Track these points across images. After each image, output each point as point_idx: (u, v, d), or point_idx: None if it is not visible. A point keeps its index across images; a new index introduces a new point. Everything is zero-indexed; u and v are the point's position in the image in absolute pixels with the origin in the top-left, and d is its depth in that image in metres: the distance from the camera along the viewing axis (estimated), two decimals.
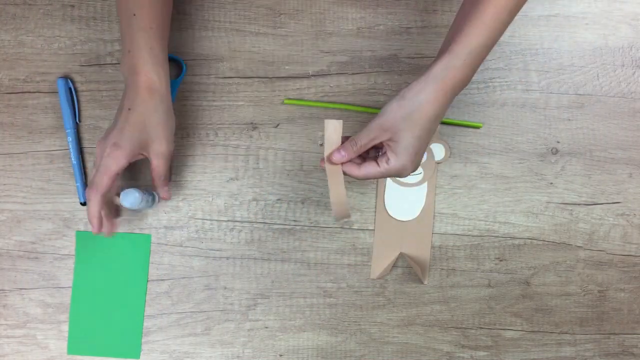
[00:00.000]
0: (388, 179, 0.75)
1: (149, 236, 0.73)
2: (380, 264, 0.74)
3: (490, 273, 0.75)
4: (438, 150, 0.75)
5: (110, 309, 0.72)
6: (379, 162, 0.59)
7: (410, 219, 0.75)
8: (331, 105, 0.75)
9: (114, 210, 0.73)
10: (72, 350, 0.71)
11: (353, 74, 0.75)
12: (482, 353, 0.75)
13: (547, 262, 0.75)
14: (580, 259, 0.75)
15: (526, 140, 0.75)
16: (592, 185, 0.75)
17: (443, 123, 0.75)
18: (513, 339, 0.75)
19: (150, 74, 0.63)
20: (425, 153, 0.74)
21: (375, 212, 0.74)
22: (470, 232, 0.75)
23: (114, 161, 0.62)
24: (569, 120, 0.76)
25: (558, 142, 0.76)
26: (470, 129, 0.75)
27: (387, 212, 0.74)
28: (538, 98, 0.76)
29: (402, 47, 0.76)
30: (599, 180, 0.75)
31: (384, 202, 0.74)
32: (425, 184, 0.75)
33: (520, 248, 0.75)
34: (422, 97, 0.57)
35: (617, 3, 0.77)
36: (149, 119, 0.63)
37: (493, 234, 0.75)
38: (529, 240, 0.75)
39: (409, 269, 0.75)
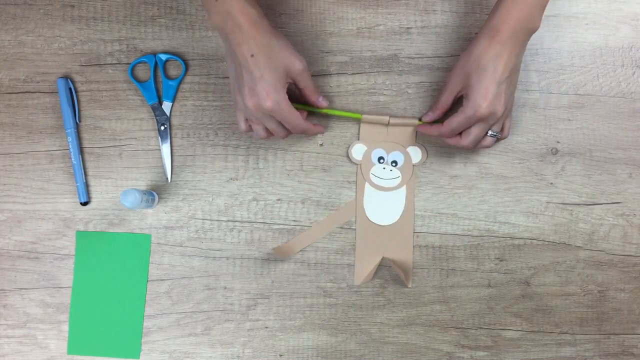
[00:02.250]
0: (366, 183, 0.75)
1: (149, 236, 0.73)
2: (363, 269, 0.74)
3: (490, 273, 0.75)
4: (415, 153, 0.74)
5: (110, 309, 0.72)
6: (459, 111, 0.65)
7: (390, 223, 0.75)
8: (330, 112, 0.75)
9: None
10: (72, 350, 0.71)
11: (353, 74, 0.75)
12: (482, 353, 0.75)
13: (547, 262, 0.75)
14: (580, 259, 0.75)
15: (526, 140, 0.75)
16: (592, 185, 0.75)
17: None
18: (513, 339, 0.75)
19: (249, 9, 0.61)
20: (403, 156, 0.74)
21: (355, 217, 0.74)
22: (470, 232, 0.75)
23: (286, 108, 0.64)
24: (569, 120, 0.76)
25: (558, 142, 0.76)
26: None
27: (367, 217, 0.74)
28: (538, 98, 0.76)
29: (402, 47, 0.76)
30: (599, 180, 0.75)
31: (363, 207, 0.74)
32: (404, 187, 0.74)
33: (520, 248, 0.75)
34: (479, 48, 0.63)
35: (617, 3, 0.77)
36: (273, 51, 0.62)
37: (493, 234, 0.75)
38: (529, 240, 0.75)
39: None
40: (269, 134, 0.67)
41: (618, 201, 0.75)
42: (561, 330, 0.75)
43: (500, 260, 0.75)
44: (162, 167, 0.74)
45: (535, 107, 0.76)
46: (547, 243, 0.75)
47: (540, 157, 0.75)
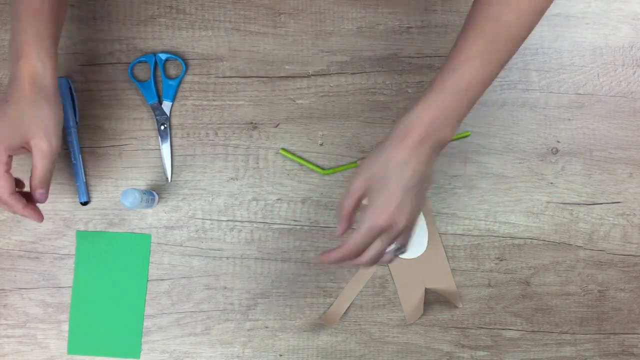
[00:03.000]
0: None
1: (148, 236, 0.73)
2: (410, 306, 0.74)
3: (490, 273, 0.75)
4: None
5: (110, 309, 0.72)
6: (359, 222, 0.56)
7: (420, 253, 0.74)
8: (320, 171, 0.75)
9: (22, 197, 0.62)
10: (72, 350, 0.71)
11: (353, 73, 0.75)
12: (482, 353, 0.75)
13: (547, 262, 0.75)
14: (581, 258, 0.75)
15: (526, 140, 0.75)
16: (592, 185, 0.75)
17: None
18: (513, 338, 0.75)
19: (34, 60, 0.57)
20: None
21: None
22: (470, 232, 0.75)
23: None
24: (569, 120, 0.76)
25: (558, 141, 0.76)
26: (467, 128, 0.75)
27: None
28: (538, 98, 0.76)
29: (403, 47, 0.76)
30: (599, 180, 0.75)
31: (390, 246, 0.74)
32: (421, 215, 0.74)
33: (520, 248, 0.75)
34: (386, 145, 0.55)
35: (617, 3, 0.77)
36: (28, 113, 0.57)
37: (493, 234, 0.75)
38: (529, 240, 0.75)
39: None
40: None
41: (618, 201, 0.75)
42: (561, 330, 0.75)
43: (501, 260, 0.75)
44: (162, 167, 0.74)
45: (536, 106, 0.76)
46: (547, 243, 0.75)
47: (541, 157, 0.75)
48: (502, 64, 0.56)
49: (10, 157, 0.59)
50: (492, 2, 0.54)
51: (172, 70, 0.75)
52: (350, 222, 0.58)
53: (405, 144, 0.54)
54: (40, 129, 0.57)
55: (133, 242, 0.73)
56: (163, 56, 0.74)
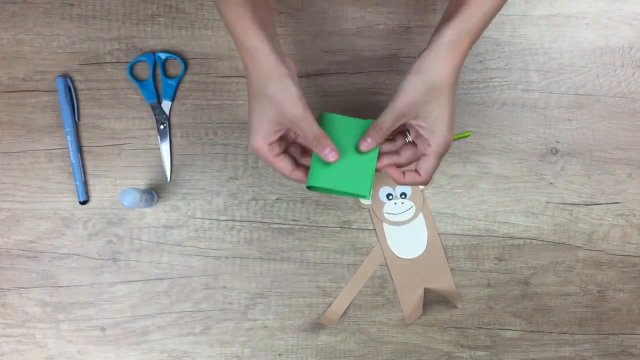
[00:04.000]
0: (383, 223, 0.74)
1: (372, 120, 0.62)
2: (410, 306, 0.74)
3: (490, 273, 0.75)
4: None
5: (346, 153, 0.62)
6: (424, 151, 0.57)
7: (419, 253, 0.74)
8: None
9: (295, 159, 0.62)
10: (312, 181, 0.61)
11: (353, 73, 0.75)
12: (481, 353, 0.75)
13: (547, 262, 0.75)
14: (580, 259, 0.75)
15: (526, 140, 0.75)
16: (591, 185, 0.75)
17: None
18: (512, 339, 0.75)
19: (266, 49, 0.56)
20: (410, 187, 0.74)
21: (384, 258, 0.74)
22: (469, 232, 0.75)
23: (264, 155, 0.58)
24: (569, 120, 0.76)
25: (558, 142, 0.76)
26: (467, 128, 0.75)
27: (396, 255, 0.74)
28: (538, 98, 0.76)
29: (402, 47, 0.76)
30: (598, 181, 0.75)
31: (389, 247, 0.74)
32: (420, 215, 0.74)
33: (519, 248, 0.75)
34: (439, 65, 0.55)
35: (617, 3, 0.77)
36: (270, 95, 0.56)
37: (493, 234, 0.75)
38: (529, 240, 0.75)
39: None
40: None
41: (618, 201, 0.75)
42: (560, 330, 0.75)
43: (500, 260, 0.75)
44: (162, 166, 0.74)
45: (536, 107, 0.76)
46: (546, 243, 0.75)
47: (540, 157, 0.75)
48: None
49: (281, 138, 0.59)
50: None
51: (172, 70, 0.75)
52: (379, 143, 0.59)
53: (452, 65, 0.55)
54: (290, 101, 0.56)
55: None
56: (163, 55, 0.74)
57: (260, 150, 0.58)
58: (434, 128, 0.56)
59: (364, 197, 0.62)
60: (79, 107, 0.74)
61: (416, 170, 0.59)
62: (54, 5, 0.75)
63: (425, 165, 0.58)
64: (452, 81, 0.56)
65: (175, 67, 0.75)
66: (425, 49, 0.56)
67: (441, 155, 0.57)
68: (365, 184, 0.60)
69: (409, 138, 0.60)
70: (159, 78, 0.75)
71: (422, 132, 0.57)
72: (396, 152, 0.60)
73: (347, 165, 0.60)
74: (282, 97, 0.56)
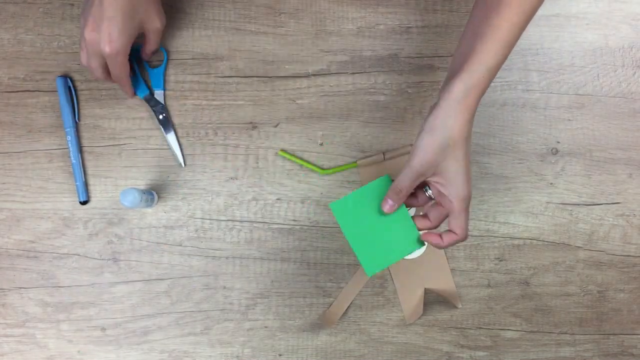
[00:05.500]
0: None
1: (387, 177, 0.63)
2: (410, 306, 0.74)
3: (490, 273, 0.75)
4: None
5: (379, 229, 0.63)
6: (449, 208, 0.58)
7: (420, 253, 0.74)
8: (320, 171, 0.75)
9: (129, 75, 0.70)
10: (370, 271, 0.63)
11: (353, 73, 0.75)
12: (481, 353, 0.75)
13: (547, 262, 0.75)
14: (580, 259, 0.75)
15: (526, 140, 0.75)
16: (592, 185, 0.75)
17: None
18: (512, 339, 0.75)
19: None
20: None
21: None
22: (470, 232, 0.75)
23: (122, 60, 0.64)
24: (569, 120, 0.76)
25: (558, 142, 0.76)
26: None
27: None
28: (538, 98, 0.76)
29: (403, 47, 0.76)
30: (598, 181, 0.75)
31: None
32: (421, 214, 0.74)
33: (519, 248, 0.75)
34: (451, 122, 0.55)
35: (617, 3, 0.77)
36: (138, 2, 0.62)
37: (493, 234, 0.75)
38: (529, 240, 0.75)
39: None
40: (107, 76, 0.68)
41: (618, 201, 0.75)
42: (560, 331, 0.75)
43: (500, 260, 0.75)
44: (173, 155, 0.74)
45: (536, 107, 0.76)
46: (546, 243, 0.75)
47: (540, 157, 0.75)
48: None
49: (130, 44, 0.64)
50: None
51: (154, 61, 0.75)
52: (400, 205, 0.60)
53: (464, 119, 0.56)
54: (151, 12, 0.64)
55: (376, 188, 0.64)
56: (137, 47, 0.73)
57: (120, 54, 0.63)
58: (453, 183, 0.57)
59: (418, 249, 0.63)
60: (79, 107, 0.74)
61: (451, 230, 0.59)
62: (54, 5, 0.75)
63: (457, 223, 0.58)
64: (467, 135, 0.56)
65: (157, 56, 0.75)
66: (435, 104, 0.57)
67: (467, 209, 0.58)
68: (414, 238, 0.62)
69: (428, 192, 0.60)
70: (145, 70, 0.74)
71: (441, 189, 0.58)
72: (425, 216, 0.61)
73: (388, 233, 0.62)
74: (152, 6, 0.63)
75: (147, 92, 0.74)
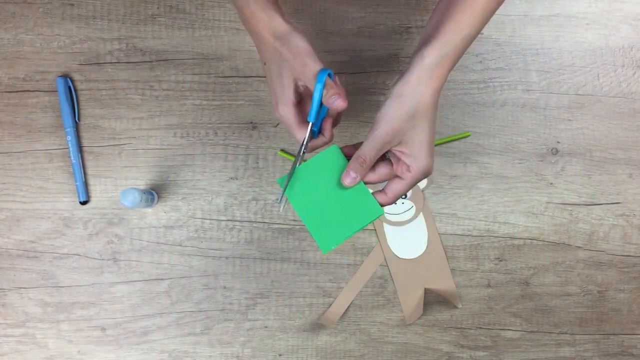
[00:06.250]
0: (384, 223, 0.74)
1: (335, 147, 0.60)
2: (410, 307, 0.74)
3: (490, 273, 0.75)
4: None
5: (332, 202, 0.59)
6: (400, 174, 0.55)
7: (420, 254, 0.74)
8: None
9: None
10: (327, 247, 0.58)
11: (353, 73, 0.75)
12: (481, 353, 0.75)
13: (547, 262, 0.75)
14: (580, 259, 0.75)
15: (526, 140, 0.75)
16: (592, 185, 0.75)
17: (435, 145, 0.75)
18: (512, 339, 0.75)
19: (263, 16, 0.56)
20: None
21: (384, 258, 0.74)
22: (470, 232, 0.75)
23: (288, 122, 0.57)
24: (569, 120, 0.76)
25: (558, 142, 0.76)
26: (467, 128, 0.75)
27: (396, 255, 0.74)
28: (538, 98, 0.76)
29: (403, 47, 0.75)
30: (598, 181, 0.75)
31: (389, 247, 0.74)
32: (421, 215, 0.74)
33: (520, 248, 0.75)
34: (421, 88, 0.53)
35: (617, 3, 0.77)
36: (282, 58, 0.55)
37: (493, 234, 0.75)
38: (529, 240, 0.75)
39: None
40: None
41: (618, 201, 0.75)
42: (560, 331, 0.75)
43: (500, 261, 0.75)
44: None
45: (536, 107, 0.76)
46: (546, 243, 0.75)
47: (540, 157, 0.75)
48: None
49: (296, 95, 0.57)
50: None
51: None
52: (363, 177, 0.56)
53: (434, 88, 0.53)
54: (302, 60, 0.55)
55: (324, 159, 0.60)
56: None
57: (284, 117, 0.56)
58: (417, 154, 0.54)
59: (379, 215, 0.59)
60: (79, 107, 0.74)
61: (383, 190, 0.57)
62: (54, 5, 0.75)
63: (396, 187, 0.56)
64: (435, 105, 0.54)
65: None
66: (405, 71, 0.54)
67: (417, 181, 0.56)
68: (372, 205, 0.57)
69: (387, 156, 0.57)
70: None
71: (403, 157, 0.55)
72: (382, 192, 0.57)
73: (341, 203, 0.58)
74: (297, 58, 0.54)
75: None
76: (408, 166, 0.54)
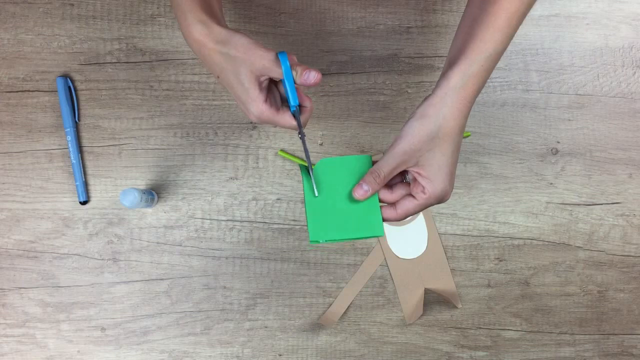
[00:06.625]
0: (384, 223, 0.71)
1: (369, 156, 0.59)
2: (410, 307, 0.74)
3: (490, 273, 0.75)
4: None
5: (342, 203, 0.58)
6: (415, 194, 0.54)
7: (420, 254, 0.74)
8: None
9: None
10: (314, 237, 0.58)
11: (353, 73, 0.75)
12: (481, 353, 0.75)
13: (547, 262, 0.75)
14: (580, 259, 0.75)
15: (526, 140, 0.75)
16: (592, 185, 0.75)
17: None
18: (512, 339, 0.75)
19: (195, 26, 0.55)
20: None
21: (384, 258, 0.74)
22: (470, 232, 0.75)
23: (268, 116, 0.55)
24: (569, 120, 0.76)
25: (558, 142, 0.76)
26: (468, 128, 0.75)
27: (396, 255, 0.74)
28: (538, 98, 0.76)
29: (402, 47, 0.76)
30: (598, 181, 0.75)
31: (389, 247, 0.74)
32: (421, 215, 0.74)
33: (519, 248, 0.75)
34: (445, 111, 0.52)
35: (617, 3, 0.77)
36: (232, 62, 0.54)
37: (493, 234, 0.75)
38: (529, 240, 0.75)
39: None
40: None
41: (618, 201, 0.75)
42: (560, 331, 0.75)
43: (500, 260, 0.75)
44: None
45: (536, 107, 0.76)
46: (546, 243, 0.75)
47: (540, 157, 0.75)
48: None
49: (262, 90, 0.55)
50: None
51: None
52: (376, 191, 0.56)
53: (460, 110, 0.53)
54: (251, 56, 0.54)
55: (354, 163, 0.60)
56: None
57: (262, 114, 0.55)
58: (434, 178, 0.53)
59: (378, 236, 0.58)
60: (79, 107, 0.74)
61: (394, 205, 0.55)
62: (54, 5, 0.75)
63: (407, 205, 0.55)
64: (460, 129, 0.53)
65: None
66: (430, 94, 0.54)
67: (430, 205, 0.54)
68: (376, 223, 0.56)
69: (407, 179, 0.56)
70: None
71: (419, 179, 0.54)
72: (392, 206, 0.56)
73: (349, 207, 0.57)
74: (246, 56, 0.53)
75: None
76: (423, 187, 0.54)
